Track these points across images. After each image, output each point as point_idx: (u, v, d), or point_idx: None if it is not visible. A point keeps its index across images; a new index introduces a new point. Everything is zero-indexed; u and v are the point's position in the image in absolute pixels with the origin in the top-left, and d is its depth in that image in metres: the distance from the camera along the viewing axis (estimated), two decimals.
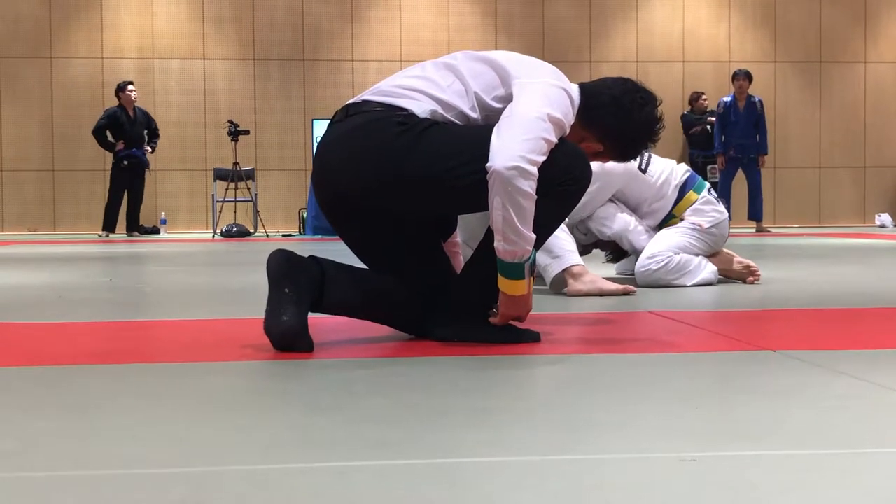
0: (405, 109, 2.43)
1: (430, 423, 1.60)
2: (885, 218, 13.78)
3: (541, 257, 3.79)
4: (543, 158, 2.32)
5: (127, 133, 11.58)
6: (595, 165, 3.63)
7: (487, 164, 2.29)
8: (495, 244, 2.34)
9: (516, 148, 2.28)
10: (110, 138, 11.61)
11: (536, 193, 2.30)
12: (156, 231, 12.73)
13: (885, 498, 1.19)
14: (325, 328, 2.70)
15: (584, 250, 4.37)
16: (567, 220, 4.12)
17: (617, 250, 4.33)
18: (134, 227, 11.82)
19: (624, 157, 2.70)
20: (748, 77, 11.75)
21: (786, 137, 14.20)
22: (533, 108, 2.35)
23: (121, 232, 11.88)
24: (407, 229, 2.52)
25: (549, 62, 2.58)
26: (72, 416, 1.69)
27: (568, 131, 2.44)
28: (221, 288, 4.46)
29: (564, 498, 1.19)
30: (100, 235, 11.46)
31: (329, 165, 2.49)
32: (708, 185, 4.28)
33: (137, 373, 2.13)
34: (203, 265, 6.22)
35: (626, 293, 3.68)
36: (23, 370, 2.18)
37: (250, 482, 1.26)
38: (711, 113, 12.56)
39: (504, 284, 2.38)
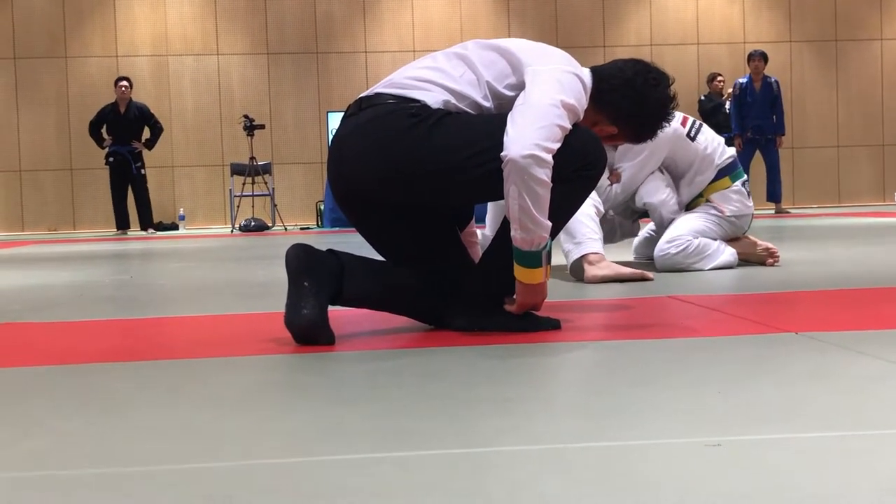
0: (418, 101, 2.43)
1: (453, 413, 1.61)
2: None
3: (564, 241, 3.79)
4: (558, 145, 2.32)
5: (113, 129, 11.60)
6: None
7: (502, 154, 2.29)
8: (511, 233, 2.34)
9: (531, 136, 2.28)
10: (105, 135, 11.66)
11: (552, 180, 2.30)
12: (174, 227, 12.77)
13: None
14: (345, 320, 2.70)
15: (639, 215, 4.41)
16: (622, 195, 4.15)
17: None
18: (147, 224, 11.77)
19: (638, 138, 2.69)
20: (764, 58, 11.68)
21: (803, 117, 14.12)
22: (546, 96, 2.34)
23: (136, 229, 11.91)
24: (422, 219, 2.52)
25: (562, 48, 2.58)
26: (97, 413, 1.70)
27: (581, 116, 2.43)
28: (242, 283, 4.48)
29: (589, 485, 1.19)
30: (116, 234, 11.54)
31: (344, 159, 2.49)
32: (746, 177, 4.26)
33: (161, 369, 2.15)
34: (223, 260, 6.24)
35: (643, 278, 3.68)
36: (47, 369, 2.20)
37: (276, 475, 1.27)
38: (713, 95, 12.53)
39: (520, 273, 2.38)
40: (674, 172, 4.21)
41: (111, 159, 11.61)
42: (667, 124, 2.66)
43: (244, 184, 11.91)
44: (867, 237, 6.44)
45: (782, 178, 11.98)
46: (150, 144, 11.82)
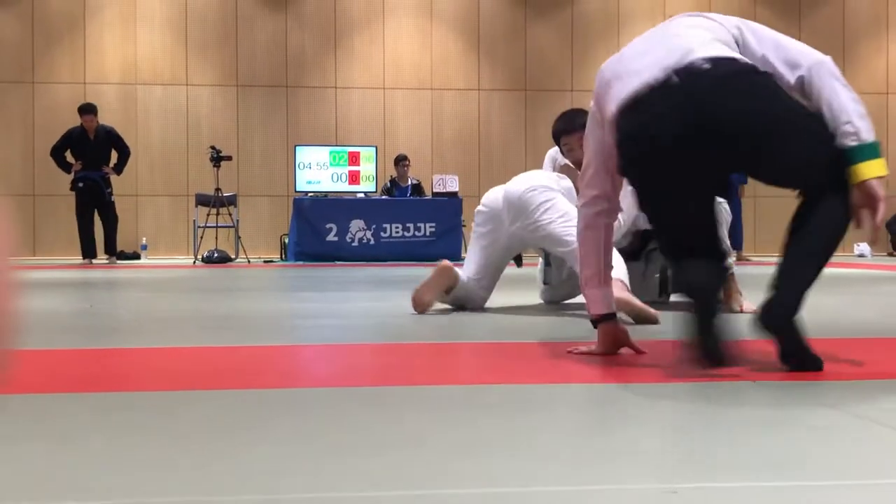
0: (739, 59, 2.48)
1: (415, 453, 1.61)
2: (864, 248, 13.89)
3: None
4: None
5: (82, 154, 11.27)
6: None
7: (804, 65, 2.43)
8: (854, 130, 2.37)
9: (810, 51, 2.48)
10: (70, 159, 11.33)
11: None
12: (136, 256, 12.67)
13: None
14: (307, 356, 2.70)
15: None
16: (624, 226, 4.26)
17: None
18: (110, 251, 11.52)
19: None
20: None
21: None
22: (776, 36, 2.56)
23: (102, 257, 11.75)
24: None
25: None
26: (53, 444, 1.68)
27: None
28: (203, 315, 4.45)
29: None
30: (82, 262, 11.33)
31: (715, 117, 2.40)
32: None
33: (119, 401, 2.13)
34: (185, 291, 6.20)
35: (651, 320, 3.65)
36: (2, 398, 2.17)
37: None
38: None
39: (865, 169, 2.38)
40: None
41: (80, 185, 11.26)
42: None
43: (209, 215, 11.86)
44: (826, 287, 6.52)
45: (744, 226, 12.13)
46: (119, 169, 11.53)
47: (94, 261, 11.39)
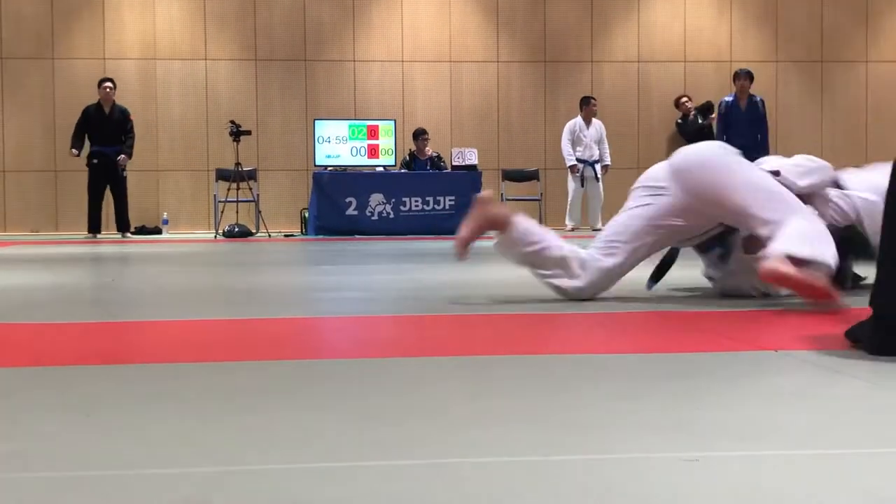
0: None
1: (434, 423, 1.61)
2: None
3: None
4: None
5: (98, 130, 11.46)
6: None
7: None
8: None
9: None
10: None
11: None
12: (158, 231, 12.73)
13: (888, 498, 1.20)
14: (328, 328, 2.71)
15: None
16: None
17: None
18: (123, 228, 11.65)
19: None
20: (749, 77, 11.76)
21: (787, 137, 14.19)
22: None
23: (110, 233, 11.79)
24: None
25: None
26: (77, 416, 1.69)
27: None
28: (225, 288, 4.47)
29: (568, 498, 1.19)
30: (86, 237, 11.43)
31: None
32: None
33: (142, 373, 2.14)
34: (206, 265, 6.23)
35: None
36: (28, 371, 2.19)
37: (255, 482, 1.27)
38: (686, 116, 12.62)
39: None
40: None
41: (95, 161, 11.46)
42: None
43: (229, 189, 11.88)
44: None
45: None
46: (128, 153, 11.63)
47: (98, 236, 11.47)
